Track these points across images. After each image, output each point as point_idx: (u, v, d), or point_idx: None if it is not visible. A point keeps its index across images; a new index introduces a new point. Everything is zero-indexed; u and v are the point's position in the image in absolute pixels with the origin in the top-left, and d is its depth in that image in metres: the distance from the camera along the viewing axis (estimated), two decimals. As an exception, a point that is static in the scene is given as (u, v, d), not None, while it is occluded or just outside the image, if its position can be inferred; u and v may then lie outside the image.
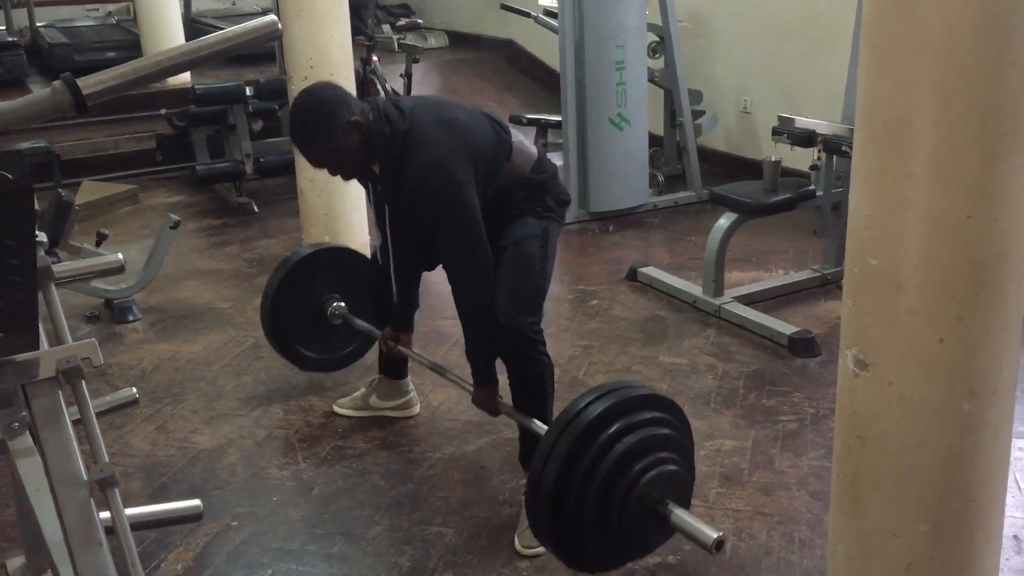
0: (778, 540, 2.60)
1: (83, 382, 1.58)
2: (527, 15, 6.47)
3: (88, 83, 1.69)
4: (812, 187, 4.20)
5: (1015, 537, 2.57)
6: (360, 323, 3.33)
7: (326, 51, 4.23)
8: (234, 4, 9.73)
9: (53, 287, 1.83)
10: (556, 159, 3.16)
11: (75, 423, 1.58)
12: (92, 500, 1.52)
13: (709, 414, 3.26)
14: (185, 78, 6.49)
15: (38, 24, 8.32)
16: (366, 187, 3.04)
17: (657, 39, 5.67)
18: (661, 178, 5.81)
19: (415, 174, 2.54)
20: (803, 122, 4.23)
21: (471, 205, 2.56)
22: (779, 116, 4.36)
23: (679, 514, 2.20)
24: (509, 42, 8.59)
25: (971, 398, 1.71)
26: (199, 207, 5.96)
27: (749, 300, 4.12)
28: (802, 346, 3.68)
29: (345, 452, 3.11)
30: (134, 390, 2.24)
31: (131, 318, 4.24)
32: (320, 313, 3.37)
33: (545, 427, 2.49)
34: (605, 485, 2.16)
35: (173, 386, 3.61)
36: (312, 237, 4.38)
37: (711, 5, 6.23)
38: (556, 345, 3.46)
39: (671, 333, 3.97)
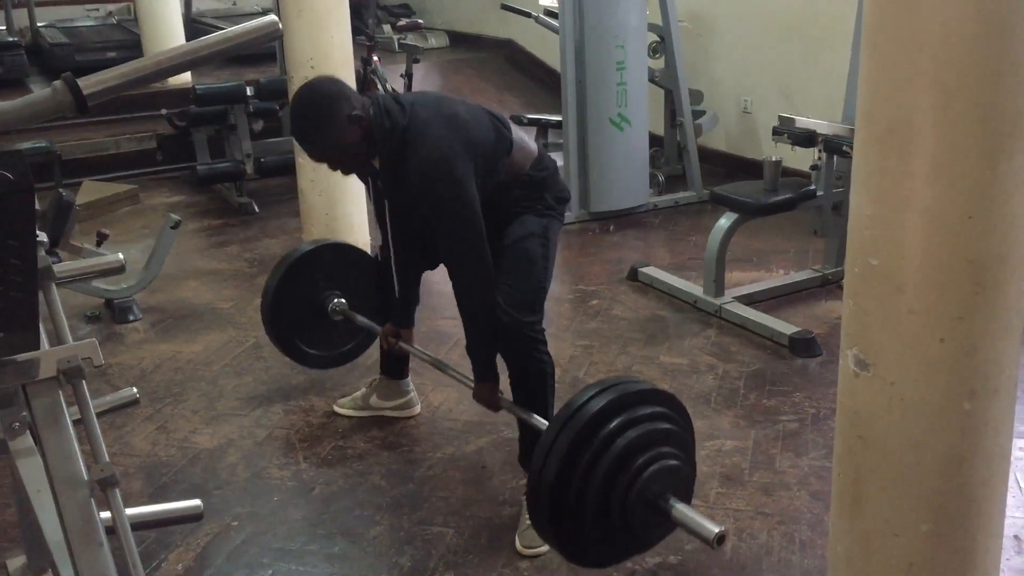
0: (779, 540, 2.60)
1: (84, 382, 1.58)
2: (527, 15, 6.47)
3: (89, 83, 1.69)
4: (812, 187, 4.21)
5: (1015, 537, 2.57)
6: (361, 319, 3.33)
7: (327, 51, 4.23)
8: (234, 4, 9.73)
9: (54, 287, 1.83)
10: (556, 159, 3.16)
11: (76, 423, 1.58)
12: (93, 500, 1.51)
13: (710, 414, 3.26)
14: (186, 78, 6.49)
15: (39, 24, 8.32)
16: (366, 182, 3.04)
17: (658, 39, 5.67)
18: (661, 178, 5.81)
19: (415, 169, 2.53)
20: (803, 122, 4.23)
21: (471, 200, 2.55)
22: (779, 116, 4.36)
23: (680, 509, 2.19)
24: (509, 42, 8.59)
25: (972, 398, 1.71)
26: (200, 207, 5.96)
27: (750, 300, 4.12)
28: (803, 346, 3.69)
29: (346, 452, 3.11)
30: (135, 390, 2.23)
31: (131, 318, 4.24)
32: (321, 309, 3.36)
33: (545, 423, 2.48)
34: (606, 480, 2.15)
35: (174, 386, 3.61)
36: (312, 237, 4.38)
37: (711, 5, 6.22)
38: (557, 345, 3.46)
39: (672, 333, 3.97)
